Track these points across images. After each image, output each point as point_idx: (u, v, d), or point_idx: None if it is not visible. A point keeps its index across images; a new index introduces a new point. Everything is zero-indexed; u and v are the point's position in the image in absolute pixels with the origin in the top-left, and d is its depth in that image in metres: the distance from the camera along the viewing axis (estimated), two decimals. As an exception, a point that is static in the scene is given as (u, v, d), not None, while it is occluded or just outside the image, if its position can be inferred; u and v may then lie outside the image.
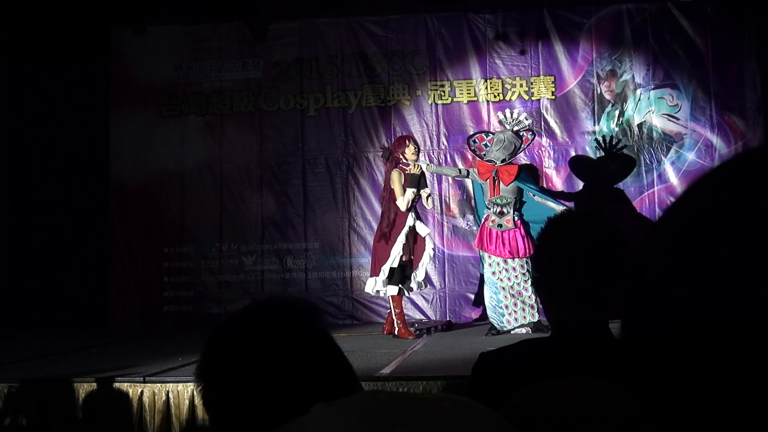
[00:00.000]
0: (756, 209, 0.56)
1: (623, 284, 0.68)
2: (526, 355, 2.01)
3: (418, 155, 7.60)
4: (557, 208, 7.64)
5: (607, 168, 9.43)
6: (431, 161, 9.66)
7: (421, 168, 7.56)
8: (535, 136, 8.30)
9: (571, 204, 8.60)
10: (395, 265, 7.41)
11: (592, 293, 1.88)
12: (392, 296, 7.54)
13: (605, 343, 1.86)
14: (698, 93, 9.49)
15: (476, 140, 8.06)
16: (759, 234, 0.55)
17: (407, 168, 7.47)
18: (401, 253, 7.41)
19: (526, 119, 8.10)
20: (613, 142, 9.41)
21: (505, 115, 8.01)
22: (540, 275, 2.00)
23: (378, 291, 7.61)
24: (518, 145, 7.84)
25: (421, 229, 7.56)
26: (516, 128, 7.85)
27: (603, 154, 9.45)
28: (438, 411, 1.24)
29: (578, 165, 9.55)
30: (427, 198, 7.68)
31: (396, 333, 7.49)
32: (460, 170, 8.10)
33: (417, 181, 7.48)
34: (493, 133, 8.06)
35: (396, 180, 7.44)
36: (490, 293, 7.58)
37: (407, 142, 7.61)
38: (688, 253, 0.58)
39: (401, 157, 7.49)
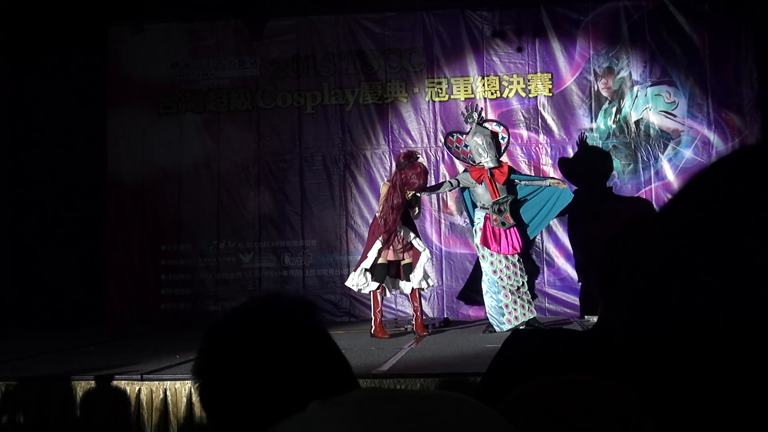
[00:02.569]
0: (753, 206, 0.56)
1: (618, 282, 0.68)
2: (558, 343, 2.00)
3: (419, 191, 7.57)
4: (543, 183, 7.90)
5: (592, 164, 9.48)
6: (428, 159, 9.67)
7: (414, 195, 7.56)
8: (507, 128, 8.34)
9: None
10: (368, 266, 7.45)
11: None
12: (371, 292, 7.54)
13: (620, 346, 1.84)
14: (695, 90, 9.50)
15: (456, 144, 8.13)
16: (756, 231, 0.55)
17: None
18: (376, 256, 7.43)
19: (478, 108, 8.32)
20: (583, 137, 9.46)
21: (464, 115, 8.10)
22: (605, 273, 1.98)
23: (357, 286, 7.63)
24: (496, 136, 7.90)
25: (416, 243, 7.58)
26: (482, 122, 7.91)
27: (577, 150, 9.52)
28: (435, 408, 1.24)
29: (568, 166, 9.56)
30: (416, 212, 7.78)
31: (372, 332, 7.48)
32: (451, 182, 8.01)
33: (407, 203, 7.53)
34: (467, 132, 8.03)
35: (383, 194, 7.54)
36: (490, 293, 7.59)
37: (421, 179, 7.42)
38: (684, 251, 0.58)
39: (407, 182, 7.35)
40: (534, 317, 7.52)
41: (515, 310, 7.48)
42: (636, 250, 0.65)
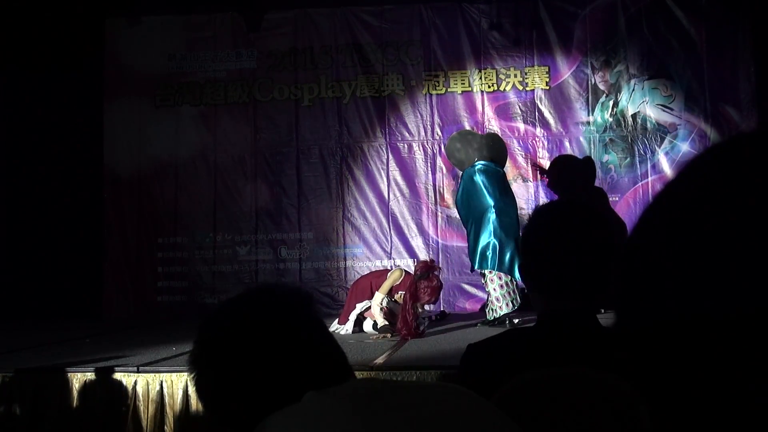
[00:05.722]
0: (748, 193, 0.56)
1: (614, 275, 0.68)
2: (512, 345, 2.02)
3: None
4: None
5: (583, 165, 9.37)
6: (425, 152, 9.69)
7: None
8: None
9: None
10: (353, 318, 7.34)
11: (577, 281, 1.88)
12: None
13: (590, 331, 1.86)
14: (692, 84, 9.50)
15: None
16: (749, 221, 0.55)
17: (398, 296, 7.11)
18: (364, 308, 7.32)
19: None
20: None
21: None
22: (526, 262, 2.01)
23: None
24: (451, 146, 7.83)
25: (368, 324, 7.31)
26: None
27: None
28: (431, 398, 1.24)
29: (560, 170, 9.43)
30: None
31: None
32: None
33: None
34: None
35: (391, 280, 7.20)
36: None
37: (432, 297, 6.96)
38: (677, 242, 0.58)
39: (418, 297, 6.83)
40: (503, 314, 7.25)
41: (490, 304, 7.46)
42: (626, 242, 0.65)
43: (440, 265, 9.40)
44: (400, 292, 7.14)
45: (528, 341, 1.98)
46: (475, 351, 2.06)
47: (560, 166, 8.41)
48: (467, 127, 9.67)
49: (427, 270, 6.95)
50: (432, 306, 8.99)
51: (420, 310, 7.02)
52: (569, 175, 8.53)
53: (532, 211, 2.03)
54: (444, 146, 8.82)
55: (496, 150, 7.81)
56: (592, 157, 9.54)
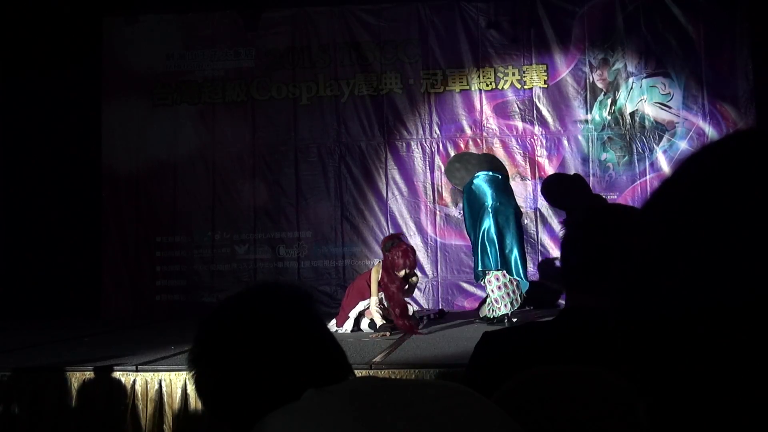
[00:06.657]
0: (743, 191, 0.56)
1: (613, 271, 0.68)
2: (529, 337, 2.02)
3: (408, 273, 7.06)
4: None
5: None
6: (424, 150, 9.69)
7: (406, 280, 7.12)
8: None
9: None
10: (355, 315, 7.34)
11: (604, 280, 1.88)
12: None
13: (608, 330, 1.86)
14: (690, 82, 9.50)
15: None
16: (745, 216, 0.55)
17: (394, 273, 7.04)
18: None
19: None
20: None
21: None
22: (569, 255, 2.01)
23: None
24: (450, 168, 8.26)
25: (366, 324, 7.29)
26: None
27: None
28: (430, 396, 1.24)
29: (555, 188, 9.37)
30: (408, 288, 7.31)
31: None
32: None
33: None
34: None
35: (375, 275, 7.16)
36: None
37: (408, 259, 6.93)
38: (674, 238, 0.58)
39: (394, 265, 6.90)
40: (483, 317, 7.33)
41: (486, 304, 7.52)
42: (625, 237, 0.65)
43: (439, 264, 9.45)
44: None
45: (545, 335, 1.98)
46: (491, 339, 2.07)
47: (553, 185, 8.43)
48: (465, 126, 9.70)
49: (391, 239, 7.09)
50: (421, 289, 9.00)
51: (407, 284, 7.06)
52: (565, 190, 8.51)
53: (587, 208, 2.05)
54: (443, 171, 9.12)
55: (494, 164, 7.95)
56: (591, 155, 9.56)
